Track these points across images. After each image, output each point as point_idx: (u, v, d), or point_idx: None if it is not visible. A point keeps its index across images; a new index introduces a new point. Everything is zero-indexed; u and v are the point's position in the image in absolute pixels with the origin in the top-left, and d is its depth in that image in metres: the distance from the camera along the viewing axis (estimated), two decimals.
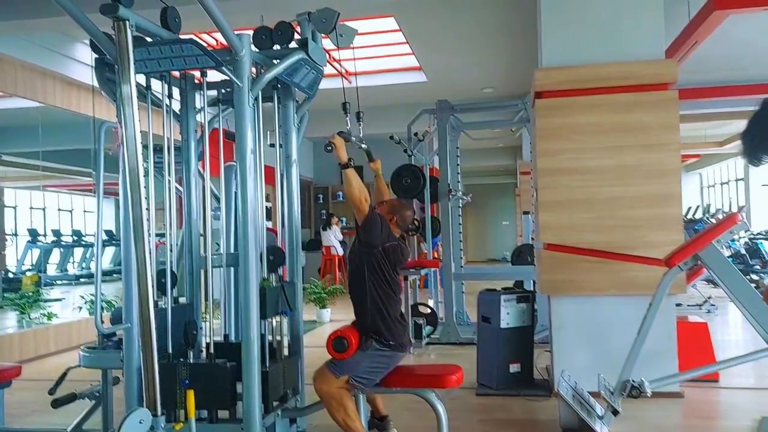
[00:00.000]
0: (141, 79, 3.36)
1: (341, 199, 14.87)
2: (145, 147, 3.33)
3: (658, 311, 3.67)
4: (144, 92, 3.46)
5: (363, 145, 3.98)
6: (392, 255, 3.56)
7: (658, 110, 4.47)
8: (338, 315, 9.14)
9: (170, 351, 3.39)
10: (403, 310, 3.83)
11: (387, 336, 3.49)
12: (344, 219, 14.42)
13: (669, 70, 4.52)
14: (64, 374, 3.98)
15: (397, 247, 3.62)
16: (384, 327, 3.49)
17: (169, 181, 3.66)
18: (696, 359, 4.68)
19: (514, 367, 4.88)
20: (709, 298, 9.05)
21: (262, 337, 3.44)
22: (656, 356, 4.14)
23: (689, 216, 14.35)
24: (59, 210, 14.75)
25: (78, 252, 14.20)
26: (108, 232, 12.58)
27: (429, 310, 7.19)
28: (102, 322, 3.37)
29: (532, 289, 6.85)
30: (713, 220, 14.23)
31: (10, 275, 10.93)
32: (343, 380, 3.42)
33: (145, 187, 2.89)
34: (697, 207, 16.66)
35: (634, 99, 4.50)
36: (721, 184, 19.22)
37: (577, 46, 4.66)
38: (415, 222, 7.84)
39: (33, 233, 12.96)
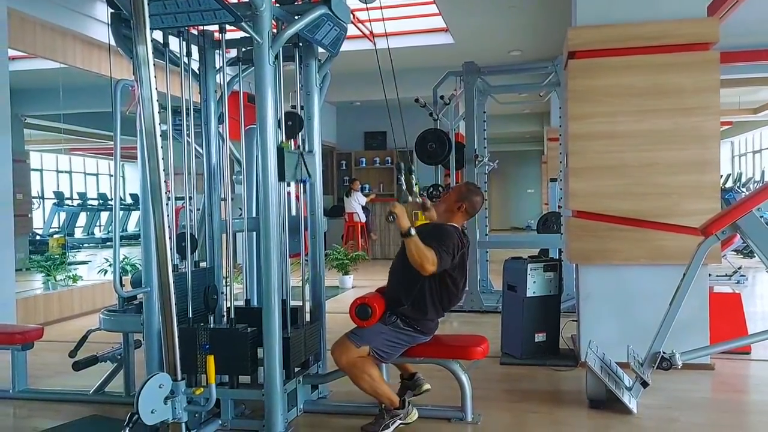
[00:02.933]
0: (158, 35, 3.26)
1: (364, 165, 14.76)
2: (164, 108, 3.25)
3: (692, 281, 3.54)
4: (161, 50, 3.36)
5: (418, 199, 3.82)
6: (462, 260, 3.44)
7: (697, 72, 4.27)
8: (361, 281, 9.10)
9: (191, 315, 3.35)
10: None
11: (417, 326, 3.41)
12: (367, 186, 14.32)
13: (710, 29, 4.29)
14: (85, 337, 3.99)
15: (466, 252, 3.49)
16: (422, 314, 3.39)
17: (189, 143, 3.58)
18: (728, 331, 4.55)
19: (539, 337, 4.78)
20: (740, 268, 8.85)
21: (284, 302, 3.38)
22: (687, 327, 4.01)
23: (720, 184, 14.04)
24: (85, 173, 14.87)
25: (104, 215, 14.33)
26: (133, 196, 12.65)
27: None
28: (122, 285, 3.33)
29: (557, 257, 6.74)
30: (744, 190, 13.92)
31: (37, 238, 11.04)
32: (364, 350, 3.34)
33: (162, 147, 2.81)
34: (728, 176, 16.31)
35: (672, 60, 4.29)
36: (753, 152, 18.76)
37: (612, 3, 4.44)
38: (440, 188, 7.80)
39: (59, 196, 13.08)
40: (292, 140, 3.52)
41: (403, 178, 3.78)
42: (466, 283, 3.63)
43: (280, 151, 3.23)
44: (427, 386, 3.73)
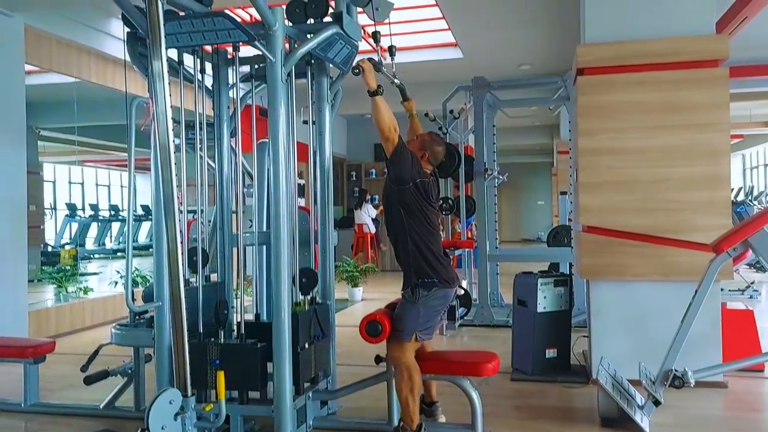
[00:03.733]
0: (173, 53, 3.30)
1: (374, 176, 14.79)
2: (177, 123, 3.29)
3: (704, 299, 3.53)
4: (176, 67, 3.40)
5: (396, 81, 3.84)
6: (425, 190, 3.46)
7: (706, 88, 4.27)
8: (371, 293, 9.10)
9: (201, 330, 3.37)
10: None
11: (432, 275, 3.40)
12: (376, 197, 14.36)
13: (720, 46, 4.30)
14: (97, 351, 4.01)
15: (430, 183, 3.51)
16: (427, 266, 3.40)
17: (201, 157, 3.61)
18: (741, 348, 4.51)
19: (550, 353, 4.77)
20: (752, 283, 8.78)
21: (294, 313, 3.38)
22: (699, 344, 3.99)
23: (731, 198, 13.96)
24: (97, 185, 14.96)
25: (115, 226, 14.40)
26: (144, 207, 12.72)
27: (462, 292, 7.09)
28: (134, 299, 3.35)
29: (567, 271, 6.72)
30: (756, 203, 13.84)
31: (49, 249, 11.10)
32: (414, 341, 3.38)
33: (176, 164, 2.84)
34: (740, 189, 16.21)
35: (682, 76, 4.30)
36: (765, 165, 18.65)
37: (621, 20, 4.46)
38: (450, 201, 7.81)
39: (71, 207, 13.17)
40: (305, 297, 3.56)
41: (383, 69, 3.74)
42: (437, 216, 3.65)
43: (294, 316, 3.27)
44: (442, 418, 3.73)
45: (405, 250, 3.46)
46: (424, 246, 3.42)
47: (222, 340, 3.36)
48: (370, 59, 3.50)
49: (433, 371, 3.48)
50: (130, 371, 4.01)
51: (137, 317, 3.93)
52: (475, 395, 3.44)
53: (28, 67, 6.28)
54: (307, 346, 3.42)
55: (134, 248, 3.62)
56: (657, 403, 3.55)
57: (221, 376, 3.04)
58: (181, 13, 3.06)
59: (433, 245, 3.44)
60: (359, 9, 3.53)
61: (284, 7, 3.31)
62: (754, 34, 6.84)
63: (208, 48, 3.59)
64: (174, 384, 2.97)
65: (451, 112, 7.78)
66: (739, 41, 6.25)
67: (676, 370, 3.51)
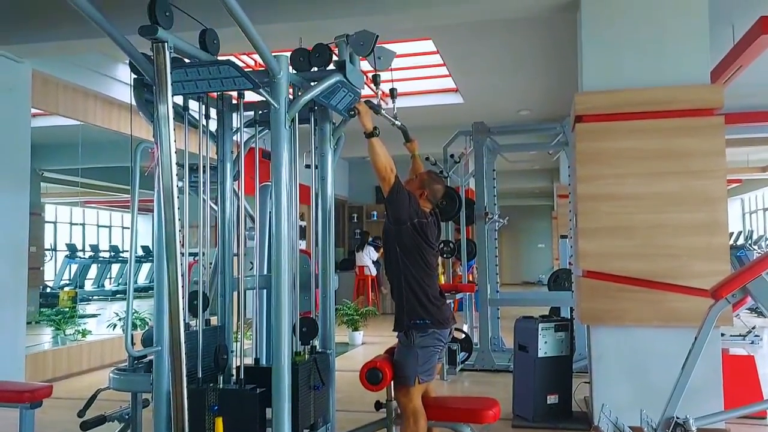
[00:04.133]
0: (178, 99, 3.36)
1: (375, 218, 14.84)
2: (181, 166, 3.33)
3: (704, 345, 3.52)
4: (181, 112, 3.46)
5: (397, 123, 3.90)
6: (424, 231, 3.49)
7: (702, 136, 4.33)
8: (371, 337, 9.04)
9: (200, 375, 3.35)
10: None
11: (424, 316, 3.42)
12: (378, 240, 14.37)
13: (714, 95, 4.38)
14: (94, 396, 3.97)
15: (429, 224, 3.53)
16: (420, 307, 3.42)
17: (204, 200, 3.64)
18: (742, 394, 4.49)
19: (551, 399, 4.74)
20: (753, 328, 8.75)
21: (293, 363, 3.37)
22: (700, 391, 3.96)
23: (730, 242, 13.98)
24: (98, 226, 14.99)
25: (115, 268, 14.39)
26: (144, 248, 12.73)
27: (463, 336, 7.07)
28: (133, 343, 3.35)
29: (569, 315, 6.71)
30: (756, 248, 13.85)
31: (48, 290, 11.08)
32: (419, 386, 3.40)
33: (179, 208, 2.87)
34: (739, 233, 16.24)
35: (678, 124, 4.36)
36: (764, 210, 18.71)
37: (618, 69, 4.55)
38: (450, 244, 7.83)
39: (72, 248, 13.18)
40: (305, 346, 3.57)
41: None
42: (437, 259, 3.66)
43: (294, 367, 3.28)
44: None
45: (399, 289, 3.50)
46: (417, 286, 3.44)
47: (221, 386, 3.34)
48: (367, 101, 3.58)
49: (434, 417, 3.46)
50: (127, 417, 3.97)
51: (136, 361, 3.91)
52: None
53: (33, 110, 6.37)
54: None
55: (134, 289, 3.63)
56: None
57: (219, 422, 3.03)
58: (188, 61, 3.12)
59: (428, 286, 3.46)
60: (362, 58, 3.61)
61: (288, 55, 3.38)
62: (749, 82, 6.96)
63: (214, 94, 3.66)
64: (172, 430, 2.95)
65: (452, 156, 7.87)
66: (735, 89, 6.36)
67: (677, 418, 3.48)
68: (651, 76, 4.47)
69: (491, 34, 6.72)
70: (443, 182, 3.80)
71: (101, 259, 14.06)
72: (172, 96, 2.77)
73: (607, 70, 4.57)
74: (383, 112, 3.71)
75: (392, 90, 3.88)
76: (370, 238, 13.47)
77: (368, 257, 12.99)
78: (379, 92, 3.82)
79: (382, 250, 12.94)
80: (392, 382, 3.47)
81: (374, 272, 13.01)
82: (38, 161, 8.04)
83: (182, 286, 2.93)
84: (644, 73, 4.49)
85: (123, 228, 15.41)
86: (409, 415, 3.36)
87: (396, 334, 3.52)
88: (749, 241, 14.79)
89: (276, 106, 3.16)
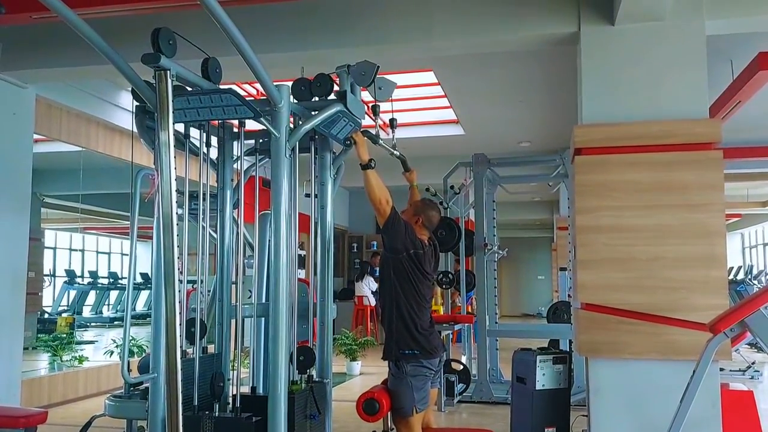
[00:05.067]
0: (180, 126, 3.40)
1: (375, 248, 14.84)
2: (181, 193, 3.35)
3: (702, 380, 3.50)
4: (182, 140, 3.50)
5: (396, 152, 3.93)
6: (419, 261, 3.50)
7: (701, 170, 4.35)
8: (368, 368, 8.98)
9: (196, 403, 3.33)
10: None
11: (413, 346, 3.45)
12: (377, 270, 14.36)
13: (713, 130, 4.41)
14: (89, 423, 3.95)
15: (425, 254, 3.55)
16: (409, 336, 3.46)
17: (204, 227, 3.66)
18: (741, 430, 4.44)
19: (549, 431, 4.69)
20: (753, 363, 8.70)
21: (290, 392, 3.36)
22: (699, 425, 3.93)
23: (730, 277, 13.96)
24: (97, 252, 14.99)
25: (113, 294, 14.35)
26: (143, 275, 12.70)
27: (462, 367, 7.03)
28: (129, 370, 3.34)
29: (567, 348, 6.67)
30: (756, 282, 13.82)
31: (46, 316, 11.04)
32: (417, 415, 3.42)
33: (178, 235, 2.88)
34: (739, 268, 16.21)
35: (676, 158, 4.39)
36: (764, 245, 18.71)
37: (617, 103, 4.59)
38: (450, 275, 7.83)
39: (70, 274, 13.16)
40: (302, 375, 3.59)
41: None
42: (432, 290, 3.68)
43: (290, 396, 3.30)
44: None
45: (390, 318, 3.52)
46: (408, 316, 3.46)
47: (217, 414, 3.32)
48: (364, 131, 3.62)
49: None
50: None
51: (132, 388, 3.89)
52: None
53: (35, 135, 6.41)
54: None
55: (132, 316, 3.63)
56: None
57: None
58: (190, 89, 3.16)
59: (418, 317, 3.49)
60: (363, 88, 3.66)
61: (290, 84, 3.43)
62: (748, 117, 7.02)
63: (215, 122, 3.70)
64: None
65: (452, 187, 7.90)
66: (734, 123, 6.41)
67: None
68: (650, 110, 4.51)
69: (492, 66, 6.80)
70: (438, 208, 3.84)
71: (100, 285, 14.03)
72: (174, 123, 2.81)
73: (606, 103, 4.61)
74: (381, 141, 3.74)
75: (392, 120, 3.93)
76: (370, 269, 13.45)
77: (367, 287, 12.96)
78: (379, 122, 3.86)
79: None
80: (390, 413, 3.46)
81: (373, 302, 12.97)
82: (39, 186, 8.07)
83: (180, 313, 2.93)
84: (643, 106, 4.53)
85: (122, 255, 15.40)
86: None
87: (387, 363, 3.52)
88: (749, 276, 14.76)
89: (276, 134, 3.20)
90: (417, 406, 3.39)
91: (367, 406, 3.36)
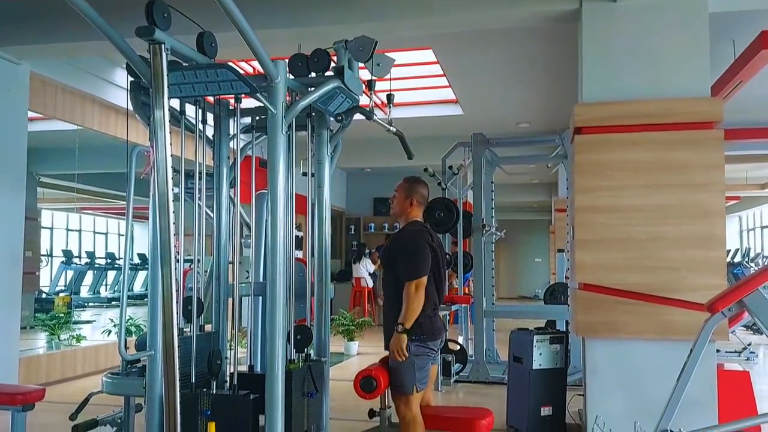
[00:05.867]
0: (175, 103, 3.36)
1: (373, 230, 14.83)
2: (177, 172, 3.31)
3: (699, 359, 3.50)
4: (178, 117, 3.45)
5: (392, 129, 3.91)
6: (433, 265, 3.51)
7: (701, 149, 4.33)
8: (366, 348, 9.01)
9: (193, 380, 3.33)
10: None
11: (418, 332, 3.45)
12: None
13: (714, 108, 4.38)
14: (86, 400, 3.95)
15: (434, 257, 3.53)
16: (415, 323, 3.44)
17: (200, 206, 3.63)
18: (736, 409, 4.46)
19: (545, 410, 4.71)
20: (749, 345, 8.73)
21: (287, 370, 3.35)
22: (695, 405, 3.94)
23: (728, 259, 13.97)
24: (94, 232, 14.96)
25: (111, 275, 14.35)
26: (141, 256, 12.69)
27: (458, 347, 7.04)
28: (126, 348, 3.33)
29: (564, 329, 6.68)
30: (753, 265, 13.84)
31: (43, 295, 11.04)
32: (417, 394, 3.41)
33: (174, 212, 2.86)
34: (736, 250, 16.24)
35: (677, 137, 4.36)
36: (762, 227, 18.73)
37: (618, 81, 4.55)
38: (447, 256, 7.82)
39: (67, 255, 13.14)
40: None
41: None
42: (444, 274, 3.71)
43: (288, 375, 3.28)
44: None
45: (396, 305, 3.48)
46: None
47: (214, 391, 3.32)
48: (361, 109, 3.58)
49: (427, 426, 3.44)
50: (119, 421, 3.94)
51: (129, 366, 3.89)
52: None
53: (30, 114, 6.36)
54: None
55: (129, 297, 3.62)
56: None
57: (212, 427, 3.00)
58: (185, 64, 3.12)
59: (427, 305, 3.47)
60: (360, 65, 3.61)
61: (287, 60, 3.38)
62: (749, 97, 6.97)
63: (210, 98, 3.66)
64: None
65: (450, 167, 7.87)
66: (735, 104, 6.37)
67: (671, 430, 3.45)
68: (651, 89, 4.48)
69: (492, 44, 6.74)
70: (424, 181, 3.80)
71: (97, 265, 14.01)
72: (169, 99, 2.77)
73: (607, 81, 4.58)
74: (377, 118, 3.71)
75: (389, 95, 3.89)
76: (367, 251, 13.44)
77: (365, 269, 12.97)
78: (372, 97, 3.83)
79: (379, 262, 12.93)
80: (390, 391, 3.46)
81: (371, 284, 12.98)
82: (35, 165, 8.01)
83: (176, 291, 2.91)
84: (644, 85, 4.49)
85: (119, 235, 15.36)
86: (407, 424, 3.37)
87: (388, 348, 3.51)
88: (746, 259, 14.79)
89: (273, 111, 3.16)
90: (417, 385, 3.40)
91: (365, 383, 3.35)
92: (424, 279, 3.43)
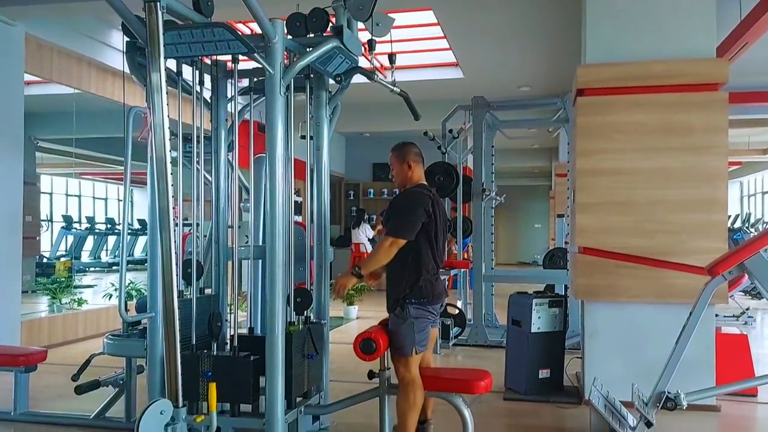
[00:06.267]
0: (172, 64, 3.31)
1: (372, 196, 14.81)
2: (175, 135, 3.28)
3: (698, 322, 3.51)
4: (174, 78, 3.40)
5: (396, 89, 3.86)
6: (431, 223, 3.48)
7: (705, 111, 4.29)
8: (365, 312, 9.06)
9: (194, 342, 3.34)
10: None
11: (419, 295, 3.43)
12: (374, 216, 14.36)
13: (719, 69, 4.33)
14: (88, 360, 3.98)
15: (435, 211, 3.51)
16: (416, 288, 3.43)
17: (198, 170, 3.60)
18: (734, 372, 4.49)
19: (543, 373, 4.74)
20: (747, 309, 8.77)
21: (287, 332, 3.36)
22: (693, 368, 3.97)
23: (728, 225, 13.95)
24: (94, 198, 14.94)
25: (111, 240, 14.36)
26: (141, 221, 12.69)
27: (457, 311, 7.07)
28: (127, 310, 3.33)
29: (562, 293, 6.70)
30: (753, 230, 13.85)
31: (44, 260, 11.07)
32: (416, 356, 3.40)
33: (172, 173, 2.83)
34: (737, 216, 16.23)
35: (681, 99, 4.32)
36: (763, 193, 18.70)
37: (622, 42, 4.49)
38: (447, 221, 7.81)
39: (67, 220, 13.14)
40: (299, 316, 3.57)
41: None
42: (444, 239, 3.66)
43: (288, 336, 3.28)
44: None
45: (399, 268, 3.47)
46: (417, 267, 3.42)
47: (215, 353, 3.33)
48: (361, 69, 3.50)
49: (427, 388, 3.45)
50: (121, 382, 3.98)
51: (130, 328, 3.91)
52: (467, 413, 3.41)
53: (27, 77, 6.29)
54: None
55: (130, 262, 3.62)
56: (649, 424, 3.51)
57: (213, 387, 3.01)
58: (181, 23, 3.06)
59: (426, 268, 3.45)
60: (360, 25, 3.55)
61: (285, 20, 3.32)
62: (753, 60, 6.89)
63: (208, 60, 3.61)
64: (165, 395, 2.95)
65: (450, 131, 7.80)
66: (738, 67, 6.29)
67: (668, 393, 3.48)
68: (655, 49, 4.42)
69: (493, 5, 6.63)
70: (412, 143, 3.75)
71: (98, 231, 14.02)
72: (165, 59, 2.72)
73: (611, 42, 4.51)
74: (378, 78, 3.65)
75: (391, 56, 3.83)
76: (367, 216, 13.43)
77: (364, 234, 12.97)
78: (373, 59, 3.77)
79: (379, 228, 12.88)
80: (389, 353, 3.47)
81: (370, 249, 12.99)
82: (33, 130, 7.96)
83: (176, 253, 2.90)
84: (649, 46, 4.43)
85: (119, 200, 15.34)
86: (406, 385, 3.38)
87: (390, 312, 3.51)
88: (746, 224, 14.78)
89: (271, 71, 3.11)
90: (417, 347, 3.40)
91: (365, 345, 3.36)
92: (402, 241, 3.41)
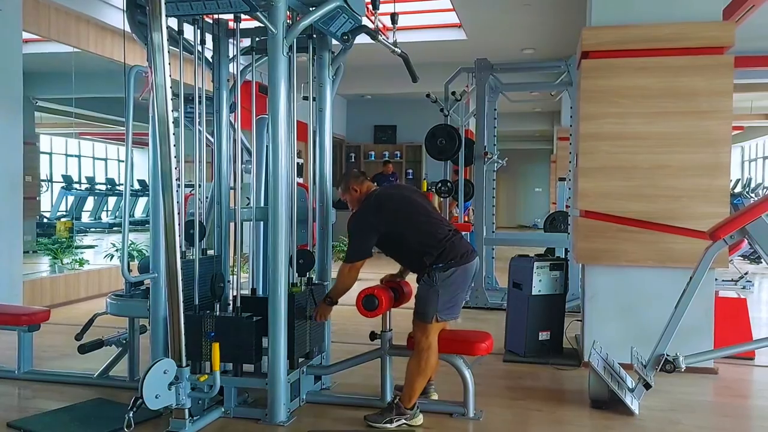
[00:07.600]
0: (173, 23, 3.27)
1: (373, 159, 14.76)
2: (176, 96, 3.26)
3: (699, 286, 3.53)
4: (176, 37, 3.37)
5: (397, 50, 3.83)
6: (399, 217, 3.44)
7: (711, 75, 4.24)
8: (366, 274, 9.07)
9: (197, 303, 3.37)
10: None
11: (443, 260, 3.33)
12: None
13: (725, 32, 4.27)
14: (91, 320, 4.01)
15: (407, 206, 3.49)
16: (436, 254, 3.33)
17: (200, 131, 3.59)
18: (732, 336, 4.53)
19: (543, 335, 4.78)
20: (746, 273, 8.80)
21: (290, 293, 3.38)
22: (692, 331, 4.01)
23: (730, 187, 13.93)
24: (94, 158, 14.89)
25: (112, 201, 14.36)
26: (141, 182, 12.67)
27: None
28: (130, 270, 3.34)
29: (563, 257, 6.73)
30: (753, 195, 13.84)
31: (45, 221, 11.08)
32: (437, 324, 3.34)
33: (174, 134, 2.82)
34: (737, 181, 16.21)
35: (686, 62, 4.27)
36: (764, 158, 18.65)
37: (629, 4, 4.42)
38: (448, 184, 7.81)
39: (68, 180, 13.11)
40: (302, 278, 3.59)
41: None
42: (425, 201, 3.66)
43: (290, 297, 3.29)
44: (435, 396, 3.75)
45: (409, 260, 3.52)
46: (422, 246, 3.37)
47: (217, 313, 3.36)
48: (365, 29, 3.46)
49: None
50: (124, 341, 4.02)
51: (133, 288, 3.93)
52: (467, 374, 3.45)
53: (25, 36, 6.21)
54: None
55: (131, 223, 3.62)
56: (647, 386, 3.56)
57: (216, 347, 3.05)
58: None
59: (428, 242, 3.38)
60: None
61: None
62: (759, 24, 6.81)
63: (209, 19, 3.56)
64: (169, 355, 2.98)
65: (453, 93, 7.75)
66: (744, 31, 6.21)
67: (667, 355, 3.52)
68: (661, 12, 4.35)
69: None
70: (346, 172, 3.71)
71: (98, 191, 14.01)
72: (166, 17, 2.69)
73: (617, 4, 4.45)
74: (381, 38, 3.60)
75: (393, 15, 3.77)
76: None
77: None
78: (377, 19, 3.72)
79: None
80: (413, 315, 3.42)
81: None
82: (31, 89, 7.89)
83: (178, 213, 2.91)
84: (654, 8, 4.37)
85: (119, 161, 15.29)
86: (421, 351, 3.33)
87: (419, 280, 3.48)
88: (747, 189, 14.77)
89: (273, 31, 3.08)
90: (439, 315, 3.32)
91: (367, 301, 3.37)
92: (360, 263, 3.43)
